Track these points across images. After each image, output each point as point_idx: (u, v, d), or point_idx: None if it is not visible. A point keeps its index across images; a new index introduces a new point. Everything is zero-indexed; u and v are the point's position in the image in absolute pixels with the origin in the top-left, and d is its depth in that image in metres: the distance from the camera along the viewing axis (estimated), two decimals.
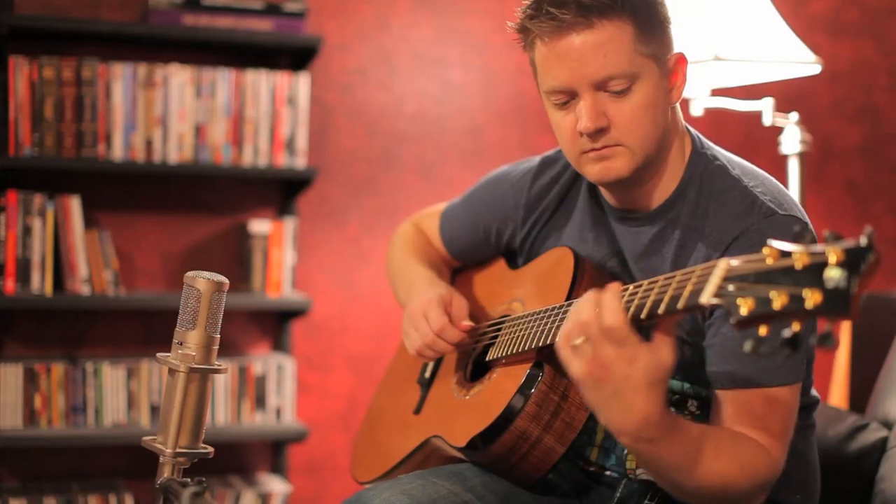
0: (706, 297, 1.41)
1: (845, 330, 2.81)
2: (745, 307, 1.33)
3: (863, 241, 1.26)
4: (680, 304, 1.48)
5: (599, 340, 1.53)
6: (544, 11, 1.81)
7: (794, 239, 1.32)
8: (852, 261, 1.26)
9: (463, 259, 2.35)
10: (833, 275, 1.26)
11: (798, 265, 1.29)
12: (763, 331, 1.32)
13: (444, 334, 2.08)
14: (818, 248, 1.29)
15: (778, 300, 1.30)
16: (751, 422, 1.73)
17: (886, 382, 2.43)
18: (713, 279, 1.41)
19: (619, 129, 1.83)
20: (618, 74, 1.80)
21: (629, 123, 1.82)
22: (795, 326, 1.29)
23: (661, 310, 1.52)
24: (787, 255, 1.31)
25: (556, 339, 1.63)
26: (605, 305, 1.53)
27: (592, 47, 1.79)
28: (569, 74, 1.82)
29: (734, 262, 1.40)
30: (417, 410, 2.21)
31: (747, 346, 1.33)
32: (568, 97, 1.85)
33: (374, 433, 2.34)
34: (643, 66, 1.82)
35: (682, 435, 1.61)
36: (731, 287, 1.37)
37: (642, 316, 1.54)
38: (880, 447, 2.27)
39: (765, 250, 1.33)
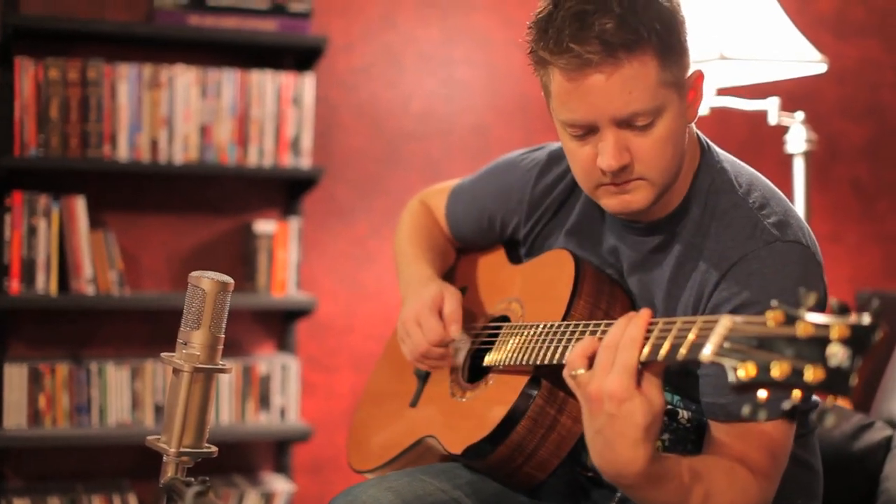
0: (708, 355, 1.39)
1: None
2: (743, 371, 1.31)
3: (865, 319, 1.23)
4: (680, 355, 1.46)
5: (599, 368, 1.53)
6: (566, 47, 1.70)
7: (798, 302, 1.30)
8: (857, 339, 1.23)
9: (465, 242, 2.32)
10: (835, 352, 1.24)
11: (800, 334, 1.27)
12: (762, 396, 1.30)
13: (442, 344, 2.05)
14: (823, 320, 1.26)
15: (778, 370, 1.28)
16: (745, 456, 1.70)
17: (891, 381, 2.42)
18: (715, 337, 1.39)
19: (641, 163, 1.76)
20: (642, 111, 1.73)
21: (651, 157, 1.76)
22: (795, 396, 1.28)
23: (660, 356, 1.50)
24: (790, 321, 1.29)
25: (564, 372, 1.62)
26: (628, 329, 1.53)
27: (618, 86, 1.71)
28: (590, 110, 1.73)
29: (738, 319, 1.38)
30: (414, 403, 2.21)
31: (745, 410, 1.31)
32: (585, 130, 1.77)
33: (370, 420, 2.34)
34: (666, 97, 1.75)
35: (669, 483, 1.59)
36: (731, 346, 1.35)
37: (641, 359, 1.52)
38: (885, 446, 2.26)
39: (768, 313, 1.31)
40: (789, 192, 3.05)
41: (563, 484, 2.01)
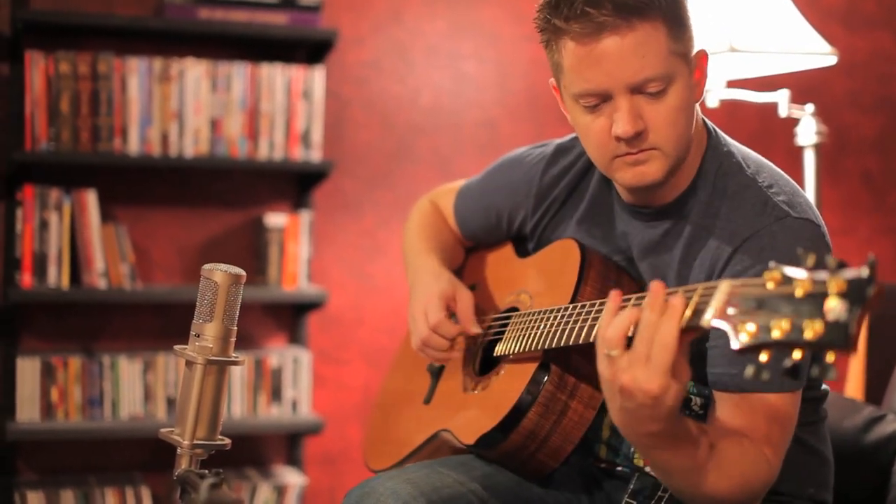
0: (709, 319, 1.41)
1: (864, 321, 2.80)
2: (745, 333, 1.33)
3: (864, 271, 1.25)
4: (682, 322, 1.48)
5: (636, 360, 1.53)
6: (580, 12, 1.73)
7: (797, 262, 1.31)
8: (854, 292, 1.25)
9: (474, 240, 2.34)
10: (833, 306, 1.25)
11: (798, 292, 1.29)
12: (764, 357, 1.32)
13: (439, 329, 2.07)
14: (820, 276, 1.27)
15: (778, 329, 1.29)
16: (752, 427, 1.72)
17: None
18: (715, 302, 1.41)
19: (655, 132, 1.78)
20: (655, 76, 1.75)
21: (664, 126, 1.78)
22: (796, 355, 1.29)
23: None
24: (788, 281, 1.30)
25: (598, 340, 1.59)
26: (663, 327, 1.52)
27: (631, 49, 1.74)
28: (605, 77, 1.76)
29: (736, 283, 1.39)
30: (428, 400, 2.21)
31: (748, 371, 1.33)
32: (599, 100, 1.79)
33: (385, 420, 2.35)
34: (676, 66, 1.78)
35: (685, 444, 1.61)
36: (732, 310, 1.37)
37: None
38: None
39: (766, 274, 1.33)
40: (800, 184, 3.04)
41: (575, 475, 2.02)
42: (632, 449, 1.94)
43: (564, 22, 1.76)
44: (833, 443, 2.00)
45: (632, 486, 1.93)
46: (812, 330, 1.26)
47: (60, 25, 3.67)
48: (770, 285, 1.32)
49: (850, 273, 1.26)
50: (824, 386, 1.97)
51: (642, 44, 1.74)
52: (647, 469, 1.92)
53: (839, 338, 1.25)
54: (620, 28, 1.73)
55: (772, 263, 1.34)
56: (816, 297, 1.27)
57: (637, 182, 1.83)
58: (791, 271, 1.31)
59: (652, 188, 1.86)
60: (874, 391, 2.65)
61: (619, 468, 1.97)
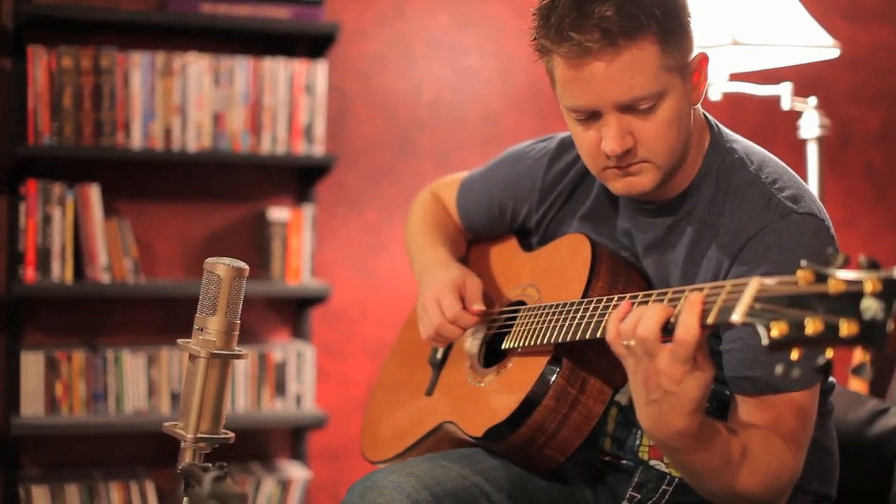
0: (739, 316, 1.40)
1: None
2: (776, 330, 1.32)
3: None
4: (710, 319, 1.48)
5: (655, 349, 1.54)
6: (566, 36, 1.74)
7: (827, 261, 1.31)
8: (889, 292, 1.25)
9: (476, 233, 2.33)
10: (869, 305, 1.25)
11: (832, 290, 1.28)
12: (795, 354, 1.31)
13: (457, 321, 2.07)
14: (854, 275, 1.27)
15: (811, 326, 1.29)
16: (775, 425, 1.73)
17: None
18: (745, 298, 1.40)
19: (645, 146, 1.78)
20: (644, 95, 1.75)
21: (655, 140, 1.78)
22: (828, 353, 1.29)
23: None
24: (821, 279, 1.30)
25: (608, 333, 1.62)
26: (681, 321, 1.52)
27: (618, 71, 1.73)
28: (593, 97, 1.76)
29: (767, 281, 1.39)
30: (429, 392, 2.21)
31: (779, 369, 1.32)
32: (588, 115, 1.79)
33: (385, 411, 2.34)
34: (668, 81, 1.76)
35: (713, 446, 1.63)
36: (762, 307, 1.36)
37: (670, 327, 1.54)
38: None
39: (798, 273, 1.32)
40: (803, 177, 3.04)
41: (580, 468, 2.01)
42: (637, 442, 1.94)
43: (552, 43, 1.78)
44: (837, 436, 2.00)
45: (636, 480, 1.93)
46: (847, 328, 1.26)
47: (63, 20, 3.67)
48: (802, 283, 1.32)
49: (885, 273, 1.25)
50: (831, 378, 1.97)
51: (629, 66, 1.73)
52: (652, 463, 1.92)
53: (875, 337, 1.25)
54: (607, 53, 1.72)
55: (803, 262, 1.33)
56: (851, 296, 1.27)
57: (627, 192, 1.85)
58: (823, 270, 1.30)
59: (644, 196, 1.86)
60: (878, 384, 2.65)
61: (624, 461, 1.97)
